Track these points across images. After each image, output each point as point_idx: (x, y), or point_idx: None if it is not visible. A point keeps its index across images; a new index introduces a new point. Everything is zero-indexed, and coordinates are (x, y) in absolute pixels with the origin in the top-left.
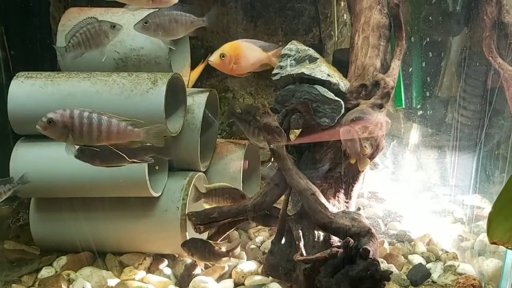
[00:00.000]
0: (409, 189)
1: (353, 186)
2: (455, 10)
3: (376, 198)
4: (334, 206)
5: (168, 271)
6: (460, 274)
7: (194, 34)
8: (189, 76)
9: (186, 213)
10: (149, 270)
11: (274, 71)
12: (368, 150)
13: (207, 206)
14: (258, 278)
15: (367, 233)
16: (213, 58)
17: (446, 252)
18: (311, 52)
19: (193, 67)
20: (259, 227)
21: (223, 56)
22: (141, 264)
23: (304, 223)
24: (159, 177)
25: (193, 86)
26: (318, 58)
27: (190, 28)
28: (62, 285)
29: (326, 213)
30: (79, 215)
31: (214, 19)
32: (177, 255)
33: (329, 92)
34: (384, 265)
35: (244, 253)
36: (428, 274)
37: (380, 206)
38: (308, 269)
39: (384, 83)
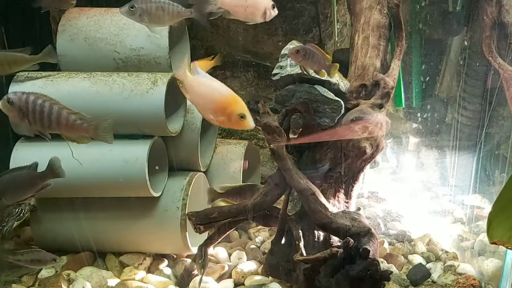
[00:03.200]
0: (409, 189)
1: (353, 186)
2: (455, 10)
3: (376, 198)
4: (334, 206)
5: (168, 271)
6: (460, 274)
7: (177, 25)
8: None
9: (186, 213)
10: (149, 270)
11: (274, 71)
12: (368, 150)
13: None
14: (258, 278)
15: (367, 233)
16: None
17: (446, 252)
18: None
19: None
20: (259, 227)
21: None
22: (141, 264)
23: (304, 223)
24: (159, 177)
25: None
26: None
27: (177, 18)
28: (62, 285)
29: (326, 213)
30: (79, 215)
31: (202, 11)
32: (175, 256)
33: (329, 92)
34: (384, 265)
35: (244, 253)
36: (428, 274)
37: (380, 206)
38: (308, 269)
39: (384, 83)
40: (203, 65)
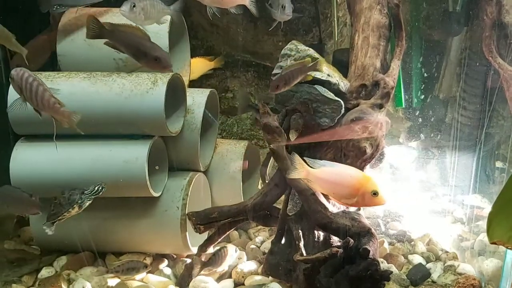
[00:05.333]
0: (409, 189)
1: None
2: (455, 10)
3: None
4: (334, 206)
5: (168, 271)
6: (460, 274)
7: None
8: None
9: (186, 213)
10: (149, 270)
11: (274, 71)
12: (368, 150)
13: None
14: (258, 278)
15: (367, 233)
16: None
17: (446, 252)
18: (311, 52)
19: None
20: (259, 227)
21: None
22: None
23: (304, 223)
24: (159, 177)
25: (193, 86)
26: (318, 58)
27: (161, 15)
28: (62, 285)
29: (326, 213)
30: (79, 215)
31: (179, 9)
32: (174, 256)
33: (329, 92)
34: (384, 265)
35: (244, 253)
36: (428, 274)
37: (380, 206)
38: (308, 269)
39: (384, 83)
40: (201, 63)
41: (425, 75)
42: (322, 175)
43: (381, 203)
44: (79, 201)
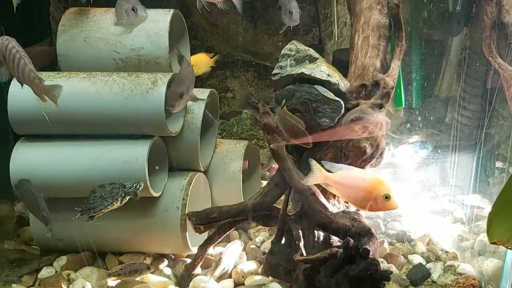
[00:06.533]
0: (409, 189)
1: None
2: (455, 10)
3: None
4: (334, 206)
5: (168, 271)
6: (460, 274)
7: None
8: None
9: (186, 213)
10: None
11: (274, 71)
12: (368, 150)
13: None
14: (258, 278)
15: (367, 233)
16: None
17: (446, 252)
18: (311, 52)
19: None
20: (259, 227)
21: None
22: None
23: (304, 223)
24: (159, 177)
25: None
26: (318, 58)
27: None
28: (62, 285)
29: (326, 213)
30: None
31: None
32: (173, 256)
33: (329, 92)
34: (384, 265)
35: (244, 253)
36: (428, 274)
37: None
38: (308, 269)
39: (384, 83)
40: (205, 58)
41: (425, 75)
42: (339, 179)
43: (393, 208)
44: (122, 195)
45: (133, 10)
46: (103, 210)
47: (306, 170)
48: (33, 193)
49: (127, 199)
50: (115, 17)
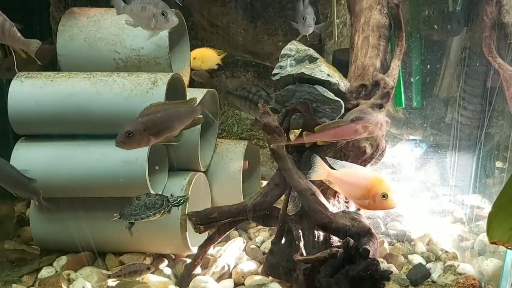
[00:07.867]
0: (409, 189)
1: None
2: (455, 10)
3: None
4: (334, 206)
5: (168, 271)
6: (460, 274)
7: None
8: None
9: (186, 213)
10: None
11: (274, 71)
12: (368, 150)
13: None
14: (258, 278)
15: (367, 233)
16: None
17: (446, 252)
18: (311, 52)
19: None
20: (259, 227)
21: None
22: None
23: (304, 223)
24: (159, 177)
25: (193, 86)
26: (318, 58)
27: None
28: (62, 285)
29: (326, 213)
30: (79, 215)
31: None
32: (173, 256)
33: (329, 92)
34: (384, 265)
35: (244, 253)
36: (428, 274)
37: None
38: (308, 269)
39: (384, 83)
40: (209, 54)
41: (425, 75)
42: (341, 176)
43: (390, 207)
44: (165, 209)
45: (163, 14)
46: (144, 219)
47: (306, 170)
48: (13, 169)
49: (168, 212)
50: (132, 18)
